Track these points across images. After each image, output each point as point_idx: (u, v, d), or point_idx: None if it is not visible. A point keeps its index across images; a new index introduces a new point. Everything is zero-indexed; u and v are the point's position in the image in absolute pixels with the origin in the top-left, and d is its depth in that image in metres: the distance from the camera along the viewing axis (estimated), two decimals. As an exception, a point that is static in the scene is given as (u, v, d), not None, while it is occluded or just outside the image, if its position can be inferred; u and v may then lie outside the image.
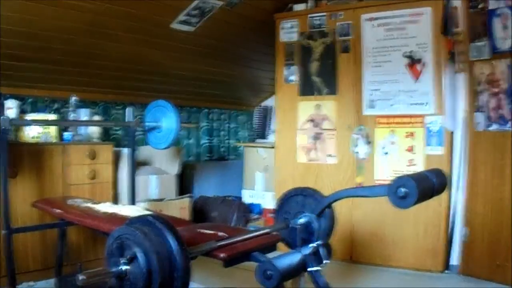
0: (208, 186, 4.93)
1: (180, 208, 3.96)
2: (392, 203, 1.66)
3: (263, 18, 4.13)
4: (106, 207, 2.64)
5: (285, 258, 1.82)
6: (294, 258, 1.84)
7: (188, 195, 4.15)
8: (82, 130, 3.65)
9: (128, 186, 3.28)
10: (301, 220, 2.20)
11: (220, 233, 2.07)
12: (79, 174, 3.43)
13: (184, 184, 4.73)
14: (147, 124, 3.29)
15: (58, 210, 2.66)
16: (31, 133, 3.37)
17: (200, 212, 4.53)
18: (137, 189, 3.38)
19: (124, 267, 1.50)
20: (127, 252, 1.51)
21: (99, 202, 2.80)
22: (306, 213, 2.22)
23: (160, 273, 1.47)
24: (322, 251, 1.94)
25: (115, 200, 3.67)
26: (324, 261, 1.92)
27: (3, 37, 3.08)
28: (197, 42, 4.12)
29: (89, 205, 2.72)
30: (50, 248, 3.17)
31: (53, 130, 3.47)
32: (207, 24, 3.90)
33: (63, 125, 3.60)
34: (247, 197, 4.91)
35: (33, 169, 3.21)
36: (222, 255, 1.83)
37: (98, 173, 3.54)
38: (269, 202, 4.61)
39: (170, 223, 1.60)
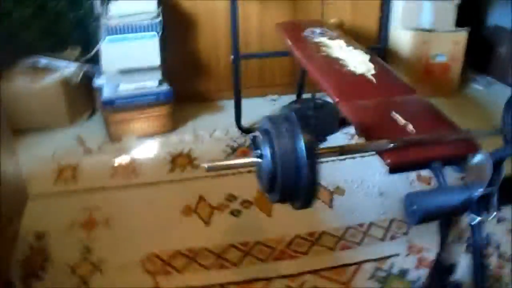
0: (506, 15, 4.18)
1: (454, 43, 3.53)
2: None
3: None
4: (338, 47, 2.51)
5: (446, 192, 1.50)
6: (455, 196, 1.50)
7: (466, 27, 3.59)
8: None
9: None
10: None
11: (411, 128, 1.83)
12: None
13: (471, 11, 4.14)
14: None
15: (289, 42, 2.66)
16: None
17: (482, 47, 4.00)
18: (407, 15, 3.14)
19: (256, 160, 1.49)
20: (261, 148, 1.49)
21: (337, 37, 2.66)
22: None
23: (282, 176, 1.41)
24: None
25: (380, 24, 3.46)
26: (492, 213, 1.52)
27: None
28: None
29: (324, 39, 2.62)
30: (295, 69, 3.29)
31: None
32: None
33: None
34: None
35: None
36: (388, 160, 1.61)
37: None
38: None
39: (301, 124, 1.45)
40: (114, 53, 2.83)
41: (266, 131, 1.50)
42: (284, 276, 2.07)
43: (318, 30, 2.75)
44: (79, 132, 3.08)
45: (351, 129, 3.08)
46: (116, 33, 2.83)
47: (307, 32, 2.73)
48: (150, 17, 2.85)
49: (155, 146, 2.95)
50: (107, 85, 2.93)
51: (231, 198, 2.55)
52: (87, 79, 3.08)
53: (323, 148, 1.59)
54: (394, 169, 1.67)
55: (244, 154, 2.88)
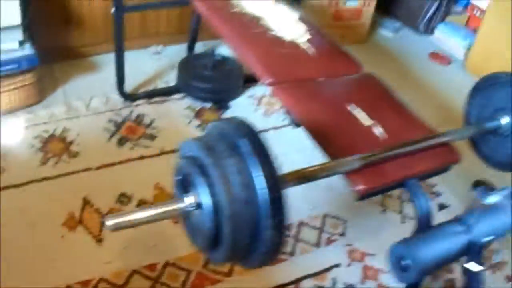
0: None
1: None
2: None
3: None
4: (264, 8, 1.97)
5: (444, 237, 1.11)
6: (454, 242, 1.12)
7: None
8: None
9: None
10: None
11: (378, 130, 1.41)
12: None
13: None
14: None
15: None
16: None
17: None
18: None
19: (188, 210, 1.01)
20: (192, 191, 1.01)
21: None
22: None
23: (233, 232, 0.96)
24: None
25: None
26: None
27: None
28: None
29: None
30: (187, 18, 2.72)
31: None
32: None
33: None
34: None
35: None
36: (359, 187, 1.26)
37: None
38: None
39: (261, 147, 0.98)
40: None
41: (201, 168, 0.99)
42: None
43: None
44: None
45: (256, 90, 2.60)
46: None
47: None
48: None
49: (18, 128, 2.26)
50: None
51: (124, 198, 2.00)
52: None
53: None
54: (365, 196, 1.30)
55: (132, 131, 2.31)
